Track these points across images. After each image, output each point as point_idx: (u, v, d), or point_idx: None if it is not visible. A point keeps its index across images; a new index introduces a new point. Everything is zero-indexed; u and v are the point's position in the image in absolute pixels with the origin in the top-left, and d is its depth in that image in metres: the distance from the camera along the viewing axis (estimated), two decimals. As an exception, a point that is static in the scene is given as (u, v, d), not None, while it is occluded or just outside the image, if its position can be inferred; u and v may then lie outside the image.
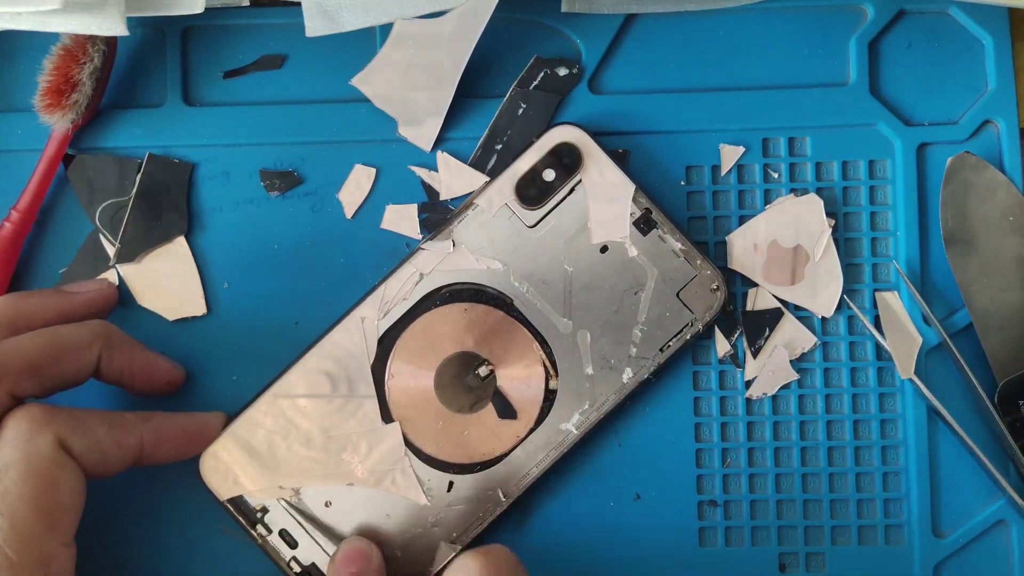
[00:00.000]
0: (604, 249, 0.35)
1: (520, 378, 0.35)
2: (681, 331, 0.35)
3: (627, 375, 0.35)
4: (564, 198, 0.35)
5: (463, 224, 0.36)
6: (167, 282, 0.37)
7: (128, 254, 0.37)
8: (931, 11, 0.38)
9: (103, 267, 0.37)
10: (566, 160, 0.35)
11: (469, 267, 0.35)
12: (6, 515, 0.28)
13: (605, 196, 0.35)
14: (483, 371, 0.35)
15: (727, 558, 0.36)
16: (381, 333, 0.35)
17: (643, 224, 0.35)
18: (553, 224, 0.35)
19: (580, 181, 0.35)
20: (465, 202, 0.36)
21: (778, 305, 0.36)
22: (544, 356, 0.35)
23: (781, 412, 0.37)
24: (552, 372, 0.35)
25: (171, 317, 0.37)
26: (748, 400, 0.37)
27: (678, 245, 0.35)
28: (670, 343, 0.35)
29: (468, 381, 0.35)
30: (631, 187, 0.35)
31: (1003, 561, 0.36)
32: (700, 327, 0.35)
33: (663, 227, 0.35)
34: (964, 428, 0.36)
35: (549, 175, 0.35)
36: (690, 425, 0.37)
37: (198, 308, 0.37)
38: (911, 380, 0.36)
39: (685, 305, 0.35)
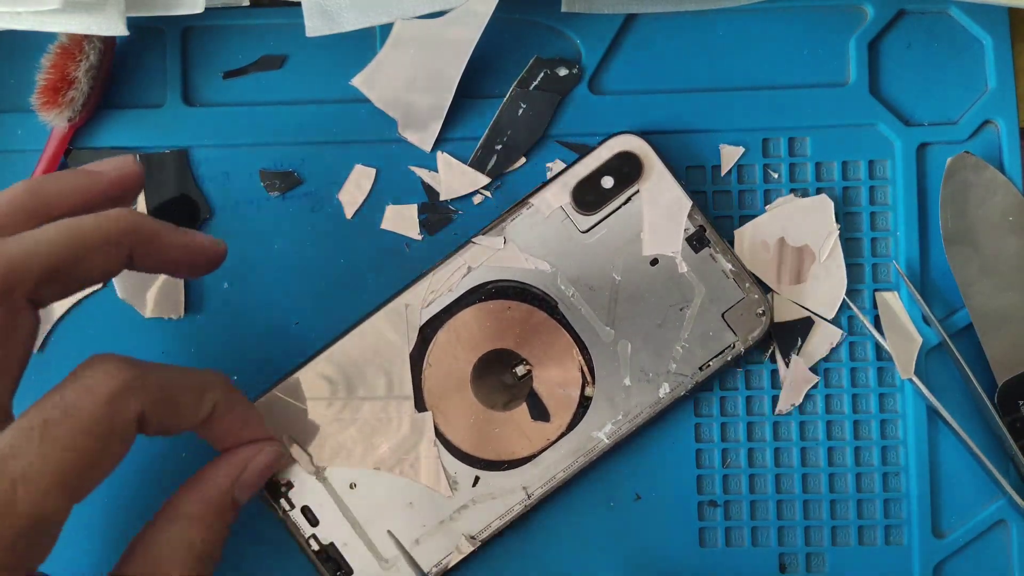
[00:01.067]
0: (654, 262, 0.35)
1: (557, 381, 0.35)
2: (722, 352, 0.35)
3: (664, 390, 0.35)
4: (620, 207, 0.35)
5: (516, 222, 0.35)
6: (151, 279, 0.37)
7: None
8: (931, 11, 0.38)
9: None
10: (626, 169, 0.35)
11: (517, 265, 0.35)
12: (43, 452, 0.26)
13: (661, 209, 0.35)
14: (520, 370, 0.35)
15: (727, 558, 0.36)
16: (423, 322, 0.35)
17: (696, 241, 0.35)
18: (606, 231, 0.35)
19: (637, 191, 0.35)
20: (520, 200, 0.36)
21: (807, 314, 0.36)
22: (583, 362, 0.35)
23: (781, 412, 0.37)
24: (589, 379, 0.35)
25: (146, 314, 0.37)
26: (748, 400, 0.37)
27: (728, 266, 0.35)
28: (710, 363, 0.35)
29: (504, 379, 0.35)
30: (688, 203, 0.35)
31: (1003, 561, 0.36)
32: (742, 350, 0.35)
33: (716, 246, 0.35)
34: (964, 428, 0.36)
35: (607, 182, 0.35)
36: (690, 425, 0.36)
37: (176, 310, 0.37)
38: (911, 380, 0.36)
39: (729, 326, 0.35)
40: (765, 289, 0.36)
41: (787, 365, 0.36)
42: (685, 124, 0.37)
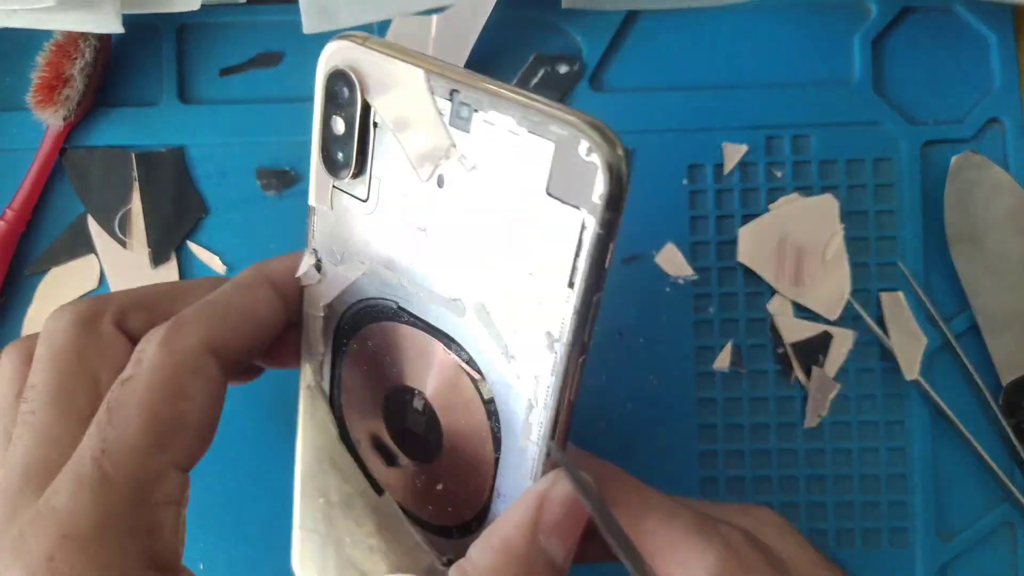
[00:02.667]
0: (440, 182, 0.24)
1: (449, 396, 0.26)
2: (579, 243, 0.22)
3: (554, 340, 0.23)
4: (373, 149, 0.25)
5: (318, 240, 0.28)
6: (149, 279, 0.37)
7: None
8: (935, 8, 0.37)
9: (84, 251, 0.37)
10: (346, 94, 0.25)
11: (340, 287, 0.28)
12: (116, 424, 0.24)
13: (401, 109, 0.24)
14: (418, 404, 0.27)
15: (730, 561, 0.36)
16: (330, 398, 0.29)
17: (460, 118, 0.23)
18: (379, 185, 0.26)
19: (373, 111, 0.25)
20: (308, 212, 0.28)
21: (823, 329, 0.36)
22: (458, 357, 0.26)
23: (785, 414, 0.36)
24: (476, 373, 0.25)
25: None
26: (751, 403, 0.36)
27: (511, 119, 0.22)
28: (576, 267, 0.22)
29: (410, 423, 0.28)
30: (418, 72, 0.24)
31: (1008, 563, 0.36)
32: (597, 224, 0.21)
33: (482, 103, 0.23)
34: (969, 430, 0.35)
35: (339, 127, 0.26)
36: (693, 428, 0.36)
37: None
38: (916, 381, 0.36)
39: (561, 200, 0.22)
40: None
41: (808, 378, 0.36)
42: (687, 122, 0.37)
